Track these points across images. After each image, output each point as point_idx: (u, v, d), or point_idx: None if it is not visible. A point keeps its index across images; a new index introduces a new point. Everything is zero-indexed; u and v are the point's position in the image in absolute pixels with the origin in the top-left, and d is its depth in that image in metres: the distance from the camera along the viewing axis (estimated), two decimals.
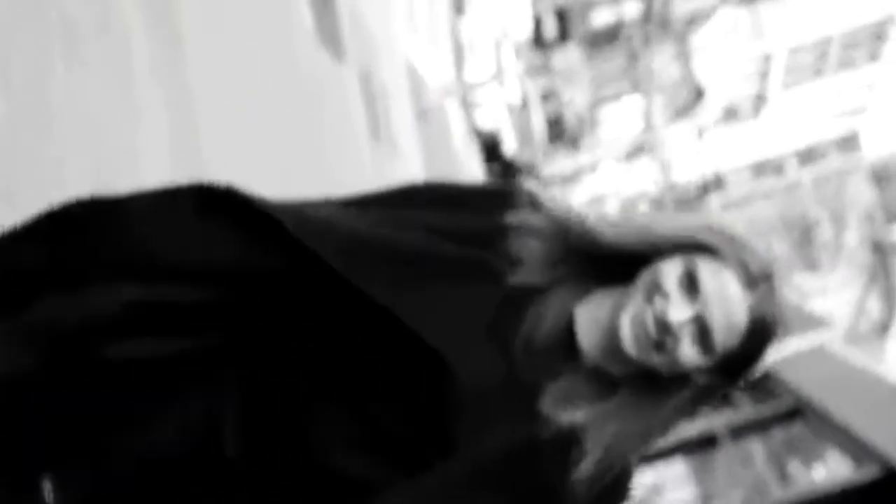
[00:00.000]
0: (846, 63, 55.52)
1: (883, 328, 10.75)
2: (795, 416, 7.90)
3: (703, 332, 1.78)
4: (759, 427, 7.91)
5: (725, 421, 7.78)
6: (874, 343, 10.06)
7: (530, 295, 1.86)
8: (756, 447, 7.83)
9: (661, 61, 43.24)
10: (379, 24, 11.58)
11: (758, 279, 1.79)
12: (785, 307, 1.81)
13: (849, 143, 55.08)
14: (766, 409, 8.03)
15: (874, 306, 11.27)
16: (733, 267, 1.79)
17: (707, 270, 1.80)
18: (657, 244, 1.87)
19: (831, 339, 9.78)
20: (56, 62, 3.61)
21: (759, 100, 54.78)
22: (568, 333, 1.87)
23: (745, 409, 8.03)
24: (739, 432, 7.81)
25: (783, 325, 1.81)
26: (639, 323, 1.80)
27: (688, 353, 1.78)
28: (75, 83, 3.68)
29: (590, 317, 1.87)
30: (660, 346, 1.79)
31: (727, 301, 1.78)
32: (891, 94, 57.07)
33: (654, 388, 1.86)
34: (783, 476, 7.38)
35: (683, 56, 42.49)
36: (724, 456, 7.57)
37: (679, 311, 1.78)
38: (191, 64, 4.82)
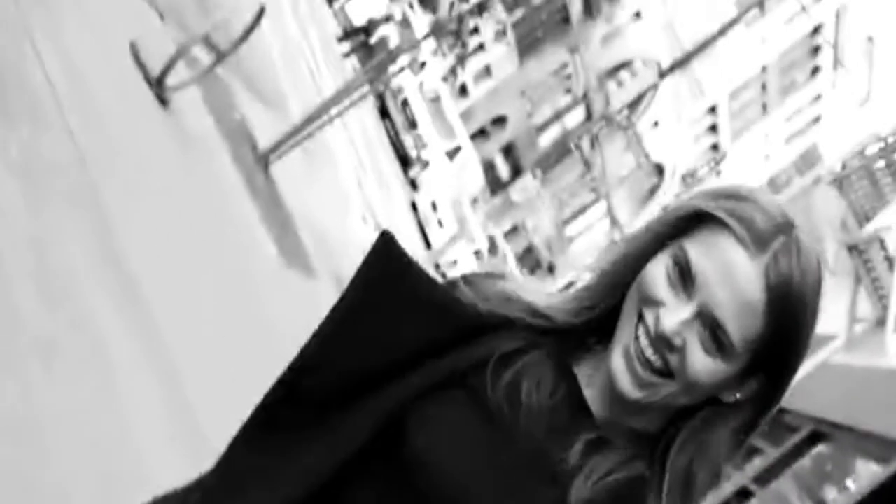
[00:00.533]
0: (788, 87, 55.86)
1: (879, 323, 10.62)
2: (817, 440, 7.68)
3: (712, 327, 1.29)
4: (785, 464, 7.63)
5: (753, 472, 7.60)
6: (874, 341, 9.94)
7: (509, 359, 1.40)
8: (787, 485, 7.57)
9: (614, 156, 43.63)
10: (340, 228, 11.76)
11: (768, 235, 1.29)
12: (816, 257, 1.32)
13: (809, 157, 54.94)
14: (788, 444, 7.76)
15: (865, 307, 11.18)
16: (733, 228, 1.29)
17: (698, 247, 1.31)
18: (637, 253, 1.38)
19: (832, 351, 9.65)
20: (38, 383, 3.67)
21: (716, 156, 54.85)
22: (576, 396, 1.41)
23: (768, 453, 7.86)
24: (768, 477, 7.53)
25: (818, 280, 1.31)
26: (631, 352, 1.33)
27: (700, 361, 1.30)
28: (59, 398, 3.73)
29: (588, 374, 1.42)
30: (664, 369, 1.32)
31: (731, 275, 1.27)
32: (840, 96, 57.21)
33: (698, 427, 1.37)
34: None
35: (634, 142, 42.80)
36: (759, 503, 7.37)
37: (673, 314, 1.30)
38: (168, 336, 4.89)
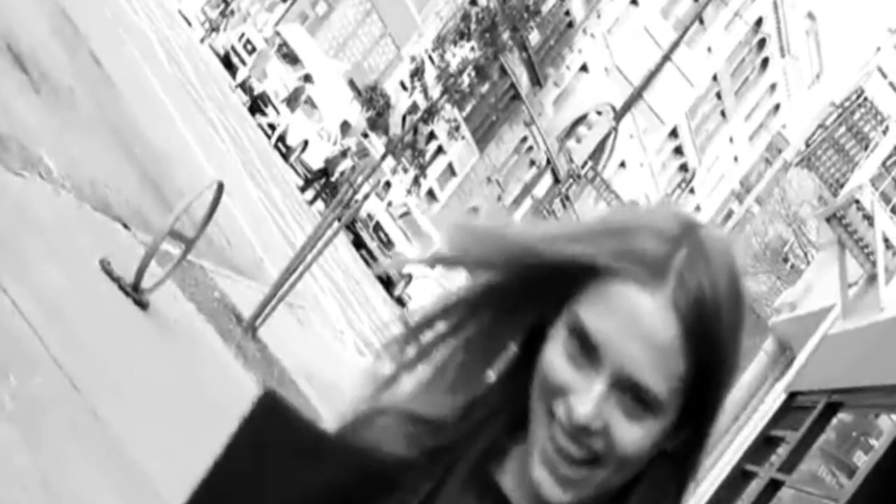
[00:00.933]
0: (741, 87, 56.07)
1: (870, 280, 10.54)
2: (835, 411, 7.53)
3: (632, 390, 1.08)
4: (807, 445, 7.43)
5: (777, 462, 7.48)
6: (869, 299, 9.85)
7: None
8: (815, 464, 7.38)
9: (588, 208, 43.63)
10: (337, 368, 11.66)
11: (665, 257, 1.07)
12: (724, 249, 1.10)
13: (776, 146, 54.85)
14: (806, 424, 7.60)
15: (855, 270, 11.10)
16: (622, 271, 1.07)
17: (591, 307, 1.08)
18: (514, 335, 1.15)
19: (832, 323, 9.55)
20: None
21: (686, 175, 54.81)
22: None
23: (789, 439, 7.73)
24: (795, 462, 7.37)
25: (734, 275, 1.09)
26: (550, 456, 1.11)
27: (628, 434, 1.09)
28: None
29: (515, 485, 1.18)
30: (590, 457, 1.10)
31: (636, 324, 1.06)
32: (795, 82, 57.34)
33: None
34: (852, 472, 6.91)
35: (602, 189, 42.81)
36: (791, 489, 7.18)
37: (585, 396, 1.08)
38: None
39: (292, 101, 30.68)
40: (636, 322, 1.06)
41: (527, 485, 1.14)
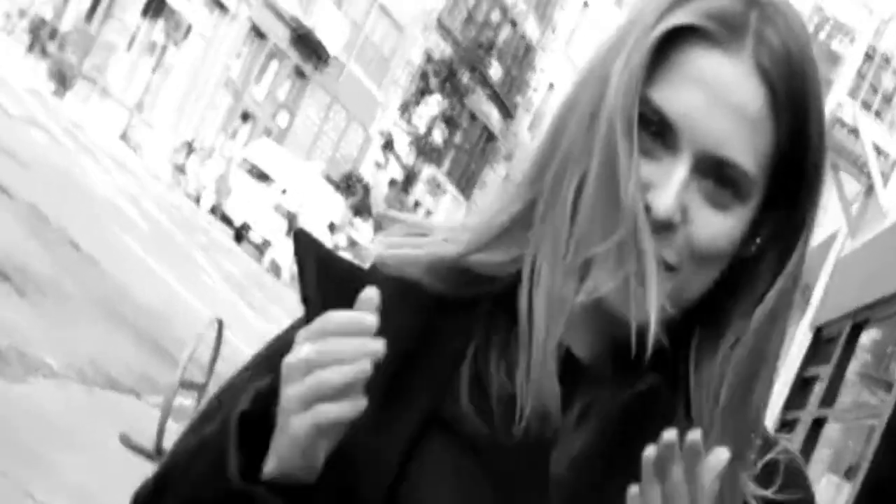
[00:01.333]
0: None
1: (869, 191, 10.51)
2: (861, 329, 7.47)
3: (716, 169, 0.93)
4: (842, 374, 7.37)
5: (816, 400, 7.38)
6: (871, 211, 9.80)
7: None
8: (855, 390, 7.34)
9: None
10: None
11: (740, 14, 0.94)
12: (793, 9, 0.96)
13: None
14: (836, 353, 7.54)
15: (852, 187, 11.05)
16: (695, 27, 0.93)
17: (663, 86, 0.94)
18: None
19: (840, 246, 9.51)
20: None
21: None
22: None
23: (822, 374, 7.65)
24: (833, 394, 7.33)
25: (808, 35, 0.97)
26: (624, 276, 0.93)
27: (713, 225, 0.94)
28: None
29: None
30: (672, 265, 0.93)
31: (718, 91, 0.92)
32: None
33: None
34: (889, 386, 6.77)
35: None
36: (835, 423, 7.11)
37: (665, 186, 0.93)
38: None
39: (290, 229, 31.08)
40: (717, 89, 0.93)
41: (581, 312, 0.96)
